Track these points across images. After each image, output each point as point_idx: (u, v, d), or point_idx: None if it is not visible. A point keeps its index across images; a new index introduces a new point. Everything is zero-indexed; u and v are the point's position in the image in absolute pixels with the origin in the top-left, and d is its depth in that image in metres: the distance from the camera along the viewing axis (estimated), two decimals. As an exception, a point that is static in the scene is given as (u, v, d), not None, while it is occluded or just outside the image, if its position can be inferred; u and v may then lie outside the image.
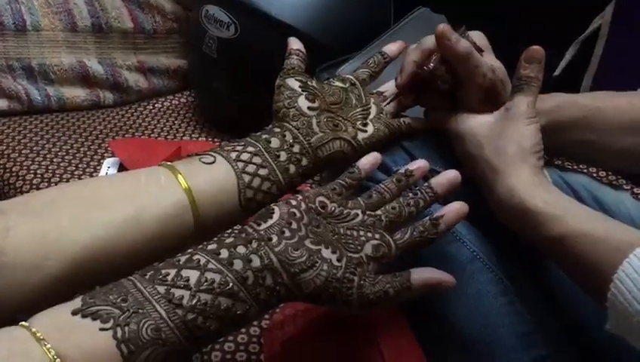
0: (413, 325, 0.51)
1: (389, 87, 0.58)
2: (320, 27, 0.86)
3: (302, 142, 0.49)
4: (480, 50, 0.52)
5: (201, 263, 0.37)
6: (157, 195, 0.44)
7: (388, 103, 0.57)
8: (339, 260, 0.41)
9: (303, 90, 0.52)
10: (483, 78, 0.50)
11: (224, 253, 0.39)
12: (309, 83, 0.53)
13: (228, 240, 0.40)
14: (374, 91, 0.58)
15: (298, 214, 0.42)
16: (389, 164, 0.54)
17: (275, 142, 0.49)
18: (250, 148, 0.48)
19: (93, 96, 1.14)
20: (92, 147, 0.98)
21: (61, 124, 1.07)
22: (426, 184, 0.47)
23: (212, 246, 0.39)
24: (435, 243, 0.47)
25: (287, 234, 0.41)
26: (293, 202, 0.44)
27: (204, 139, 1.04)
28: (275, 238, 0.40)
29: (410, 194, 0.47)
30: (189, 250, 0.40)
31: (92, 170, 0.91)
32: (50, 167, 0.93)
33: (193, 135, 1.06)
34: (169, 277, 0.36)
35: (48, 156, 0.96)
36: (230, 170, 0.47)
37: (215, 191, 0.46)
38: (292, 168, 0.49)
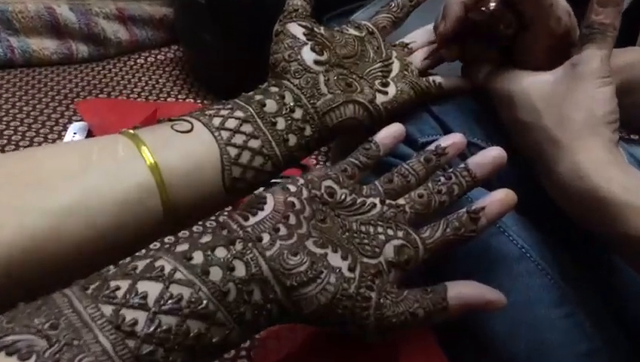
0: (442, 342, 0.44)
1: (416, 37, 0.52)
2: None
3: (305, 105, 0.43)
4: None
5: (166, 272, 0.30)
6: (113, 174, 0.36)
7: (425, 59, 0.50)
8: (351, 269, 0.33)
9: (308, 39, 0.45)
10: (557, 21, 0.43)
11: (198, 258, 0.31)
12: (315, 30, 0.46)
13: (203, 240, 0.32)
14: (397, 42, 0.52)
15: (298, 205, 0.35)
16: (414, 135, 0.48)
17: (270, 105, 0.42)
18: (238, 113, 0.41)
19: (64, 49, 1.08)
20: (59, 109, 0.92)
21: (25, 81, 1.01)
22: (462, 165, 0.40)
23: (182, 248, 0.31)
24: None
25: (283, 232, 0.33)
26: (292, 188, 0.36)
27: (191, 101, 1.00)
28: (266, 238, 0.32)
29: (442, 179, 0.40)
30: (151, 250, 0.32)
31: (56, 136, 0.85)
32: (5, 133, 0.88)
33: (180, 96, 1.02)
34: (119, 293, 0.28)
35: (5, 119, 0.90)
36: (212, 140, 0.40)
37: (191, 169, 0.38)
38: (292, 139, 0.42)
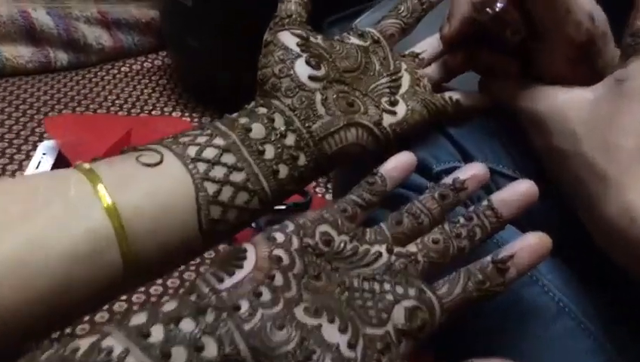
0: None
1: (428, 45, 0.48)
2: None
3: (299, 129, 0.39)
4: None
5: (114, 355, 0.24)
6: (60, 220, 0.31)
7: (426, 66, 0.46)
8: (352, 345, 0.28)
9: (302, 50, 0.41)
10: (577, 28, 0.39)
11: (157, 334, 0.26)
12: (311, 39, 0.42)
13: (166, 308, 0.27)
14: (407, 52, 0.48)
15: (286, 259, 0.30)
16: (428, 162, 0.44)
17: (257, 130, 0.38)
18: (218, 141, 0.37)
19: (40, 57, 1.04)
20: (29, 124, 0.89)
21: None
22: (485, 202, 0.36)
23: (138, 320, 0.26)
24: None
25: (267, 297, 0.28)
26: (279, 237, 0.31)
27: (179, 114, 0.96)
28: (245, 306, 0.27)
29: (461, 219, 0.35)
30: (99, 321, 0.27)
31: (23, 156, 0.81)
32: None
33: (166, 108, 0.98)
34: None
35: (-29, 135, 0.86)
36: (185, 175, 0.35)
37: (158, 211, 0.34)
38: (283, 170, 0.38)
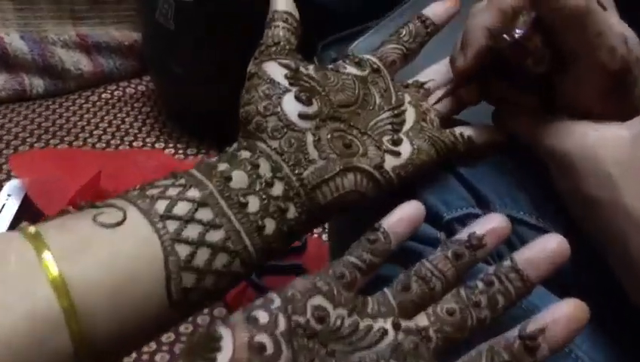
0: None
1: (434, 73, 0.46)
2: None
3: (287, 176, 0.36)
4: (602, 7, 0.38)
5: None
6: None
7: (437, 102, 0.43)
8: None
9: (291, 84, 0.39)
10: (610, 53, 0.36)
11: None
12: (302, 70, 0.40)
13: None
14: (410, 82, 0.46)
15: (270, 347, 0.26)
16: (438, 209, 0.41)
17: (239, 179, 0.35)
18: (192, 193, 0.34)
19: (15, 84, 1.03)
20: None
21: None
22: (508, 262, 0.32)
23: None
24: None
25: None
26: (262, 317, 0.28)
27: (162, 144, 0.95)
28: None
29: (480, 284, 0.32)
30: None
31: None
32: None
33: (149, 139, 0.97)
34: None
35: None
36: (152, 236, 0.32)
37: (119, 282, 0.30)
38: (270, 225, 0.35)
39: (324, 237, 0.70)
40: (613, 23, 0.37)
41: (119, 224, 0.31)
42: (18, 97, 1.01)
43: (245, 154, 0.36)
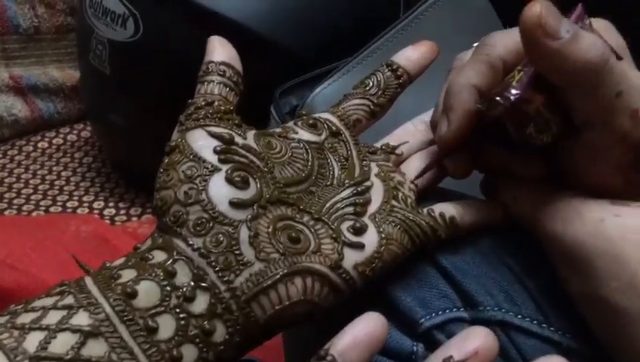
0: None
1: (408, 135, 0.43)
2: (279, 20, 0.76)
3: (214, 286, 0.32)
4: (618, 57, 0.35)
5: None
6: None
7: (416, 178, 0.41)
8: None
9: (222, 161, 0.35)
10: (633, 120, 0.33)
11: None
12: (237, 140, 0.36)
13: None
14: (378, 145, 0.43)
15: None
16: (413, 313, 0.37)
17: (148, 293, 0.31)
18: (79, 319, 0.29)
19: None
20: None
21: None
22: None
23: None
24: None
25: None
26: None
27: (101, 203, 0.91)
28: None
29: None
30: None
31: None
32: None
33: (88, 195, 0.92)
34: None
35: None
36: None
37: None
38: (189, 354, 0.30)
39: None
40: (634, 77, 0.33)
41: None
42: None
43: (159, 256, 0.32)
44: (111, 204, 0.90)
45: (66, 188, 0.93)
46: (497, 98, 0.35)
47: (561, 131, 0.36)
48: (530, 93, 0.35)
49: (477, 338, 0.30)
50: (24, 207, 0.89)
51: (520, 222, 0.38)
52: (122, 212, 0.89)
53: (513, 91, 0.35)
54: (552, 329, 0.36)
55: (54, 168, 0.97)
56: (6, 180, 0.94)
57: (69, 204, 0.90)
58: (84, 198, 0.91)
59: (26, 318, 0.28)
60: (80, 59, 0.91)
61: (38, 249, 0.64)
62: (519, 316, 0.37)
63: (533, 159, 0.38)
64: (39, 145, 1.03)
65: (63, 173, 0.96)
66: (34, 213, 0.90)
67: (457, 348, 0.30)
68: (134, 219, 0.87)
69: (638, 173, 0.35)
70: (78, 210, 0.90)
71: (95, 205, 0.90)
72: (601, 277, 0.33)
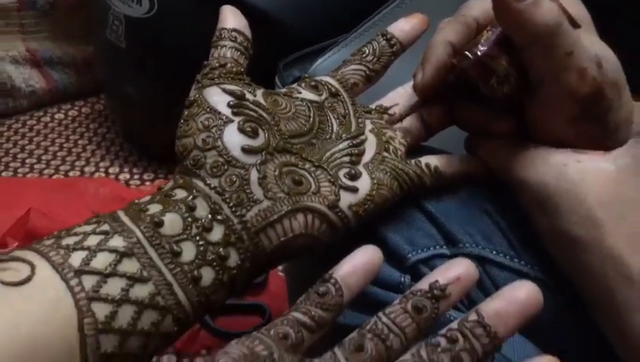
0: None
1: (400, 97, 0.44)
2: (285, 1, 0.77)
3: (228, 219, 0.34)
4: (575, 24, 0.37)
5: None
6: None
7: (400, 120, 0.43)
8: None
9: (234, 113, 0.37)
10: (580, 76, 0.36)
11: None
12: (248, 96, 0.38)
13: None
14: (373, 106, 0.44)
15: None
16: (401, 249, 0.39)
17: (172, 223, 0.33)
18: (115, 242, 0.32)
19: None
20: None
21: None
22: (474, 316, 0.30)
23: None
24: None
25: None
26: None
27: (117, 169, 0.92)
28: None
29: (443, 342, 0.30)
30: None
31: None
32: None
33: (103, 163, 0.93)
34: None
35: None
36: (64, 295, 0.29)
37: (22, 354, 0.28)
38: (208, 275, 0.33)
39: (289, 271, 0.68)
40: (586, 42, 0.36)
41: (25, 282, 0.29)
42: None
43: (181, 194, 0.34)
44: (125, 170, 0.91)
45: (82, 155, 0.93)
46: (466, 52, 0.38)
47: (519, 85, 0.38)
48: (494, 49, 0.38)
49: (459, 267, 0.33)
50: (45, 171, 0.90)
51: (496, 172, 0.40)
52: (136, 177, 0.90)
53: (480, 47, 0.38)
54: (522, 262, 0.39)
55: (71, 137, 0.97)
56: (27, 147, 0.94)
57: (86, 170, 0.91)
58: (100, 164, 0.91)
59: (69, 240, 0.31)
60: (96, 35, 0.91)
61: (62, 206, 0.65)
62: (494, 252, 0.39)
63: (504, 117, 0.40)
64: (56, 116, 1.03)
65: (80, 142, 0.96)
66: (54, 177, 0.90)
67: (442, 274, 0.32)
68: (147, 183, 0.88)
69: (585, 125, 0.37)
70: (95, 175, 0.90)
71: (110, 170, 0.91)
72: (562, 214, 0.35)
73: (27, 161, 0.91)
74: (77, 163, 0.92)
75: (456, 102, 0.42)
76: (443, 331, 0.30)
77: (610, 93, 0.36)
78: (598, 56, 0.36)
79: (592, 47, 0.36)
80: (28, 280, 0.28)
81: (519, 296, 0.30)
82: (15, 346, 0.27)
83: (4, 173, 0.88)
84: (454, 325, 0.30)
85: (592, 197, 0.35)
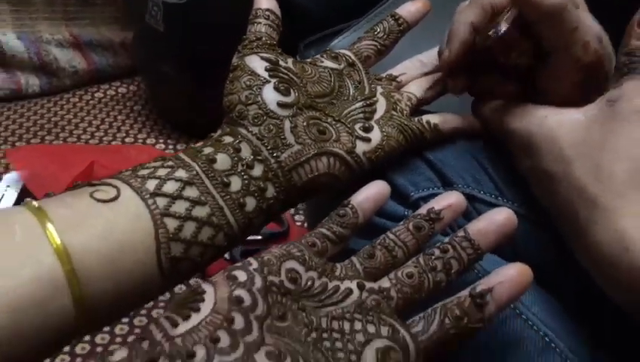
0: None
1: (407, 69, 0.48)
2: None
3: (267, 159, 0.38)
4: (575, 5, 0.40)
5: None
6: (6, 266, 0.30)
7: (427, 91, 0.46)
8: None
9: (271, 76, 0.41)
10: (584, 48, 0.39)
11: None
12: (281, 63, 0.42)
13: (115, 358, 0.26)
14: (384, 75, 0.48)
15: (248, 300, 0.29)
16: (406, 189, 0.43)
17: (222, 161, 0.37)
18: (180, 173, 0.36)
19: (11, 84, 1.04)
20: None
21: None
22: (461, 233, 0.35)
23: None
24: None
25: (225, 342, 0.27)
26: (241, 276, 0.30)
27: (153, 140, 0.95)
28: (200, 353, 0.27)
29: (437, 252, 0.35)
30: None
31: None
32: None
33: (140, 135, 0.97)
34: None
35: None
36: (144, 211, 0.34)
37: (114, 251, 0.32)
38: (250, 203, 0.37)
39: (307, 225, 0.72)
40: (587, 21, 0.39)
41: (114, 200, 0.33)
42: (14, 96, 1.01)
43: (228, 139, 0.38)
44: (161, 141, 0.93)
45: (122, 128, 0.96)
46: (490, 32, 0.41)
47: (535, 56, 0.41)
48: (513, 28, 0.40)
49: (451, 197, 0.37)
50: (90, 141, 0.93)
51: (493, 126, 0.43)
52: (170, 147, 0.92)
53: (502, 26, 0.40)
54: (504, 200, 0.43)
55: (111, 113, 1.00)
56: (72, 121, 0.97)
57: (126, 140, 0.94)
58: (138, 136, 0.94)
59: (143, 172, 0.35)
60: (135, 20, 0.92)
61: (110, 166, 0.71)
62: (482, 192, 0.43)
63: (509, 82, 0.43)
64: (95, 94, 1.06)
65: (119, 117, 0.99)
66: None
67: (437, 203, 0.37)
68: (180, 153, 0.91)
69: (587, 89, 0.40)
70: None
71: (148, 141, 0.94)
72: (541, 154, 0.38)
73: (74, 132, 0.94)
74: (117, 135, 0.94)
75: (478, 75, 0.45)
76: (437, 244, 0.35)
77: (608, 63, 0.39)
78: (599, 31, 0.39)
79: (592, 24, 0.39)
80: (115, 198, 0.33)
81: (498, 218, 0.35)
82: (109, 248, 0.32)
83: (54, 142, 0.91)
84: (446, 240, 0.35)
85: (564, 140, 0.37)
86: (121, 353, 0.26)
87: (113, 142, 0.94)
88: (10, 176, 0.72)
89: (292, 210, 0.77)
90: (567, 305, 0.40)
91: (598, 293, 0.36)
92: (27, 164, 0.71)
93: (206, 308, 0.28)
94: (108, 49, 1.11)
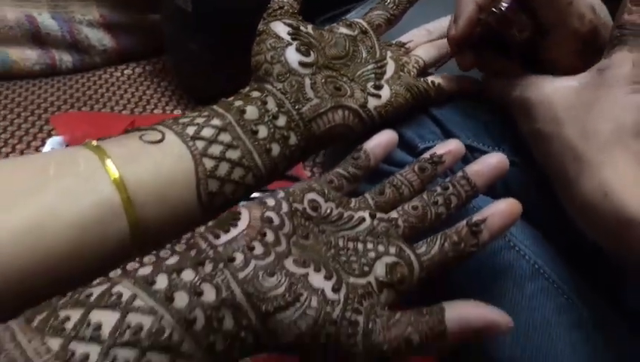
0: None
1: (413, 36, 0.50)
2: None
3: (289, 111, 0.41)
4: None
5: (123, 299, 0.28)
6: (71, 191, 0.34)
7: (437, 66, 0.48)
8: (335, 290, 0.31)
9: (293, 39, 0.43)
10: (580, 19, 0.41)
11: (161, 282, 0.29)
12: (302, 28, 0.44)
13: (169, 262, 0.30)
14: (393, 42, 0.50)
15: (277, 220, 0.33)
16: (413, 141, 0.46)
17: (251, 112, 0.40)
18: (215, 121, 0.39)
19: (47, 59, 1.07)
20: (38, 123, 0.91)
21: (4, 95, 0.99)
22: (460, 173, 0.38)
23: (144, 271, 0.30)
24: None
25: (259, 250, 0.31)
26: (270, 201, 0.35)
27: (180, 112, 0.98)
28: (239, 258, 0.31)
29: (438, 189, 0.38)
30: (111, 276, 0.30)
31: (32, 151, 0.84)
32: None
33: (167, 108, 1.00)
34: (69, 324, 0.27)
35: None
36: (185, 152, 0.37)
37: (162, 183, 0.36)
38: (275, 148, 0.40)
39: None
40: None
41: (160, 141, 0.37)
42: (50, 71, 1.04)
43: (256, 93, 0.41)
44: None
45: (151, 100, 0.98)
46: (493, 9, 0.43)
47: (534, 31, 0.43)
48: (513, 5, 0.42)
49: (451, 144, 0.40)
50: (123, 112, 0.95)
51: (499, 95, 0.44)
52: None
53: (504, 4, 0.42)
54: (501, 149, 0.46)
55: (140, 87, 1.02)
56: (105, 95, 0.99)
57: (156, 111, 0.96)
58: (167, 108, 0.96)
59: (183, 120, 0.38)
60: (164, 2, 0.93)
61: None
62: (480, 143, 0.46)
63: (512, 56, 0.45)
64: (125, 72, 1.08)
65: (147, 92, 1.01)
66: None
67: (439, 149, 0.40)
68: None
69: (585, 57, 0.41)
70: (163, 117, 0.96)
71: (175, 112, 0.96)
72: (539, 117, 0.40)
73: (107, 104, 0.96)
74: (147, 107, 0.96)
75: (485, 52, 0.46)
76: (439, 183, 0.38)
77: (603, 32, 0.41)
78: (592, 3, 0.41)
79: None
80: (161, 140, 0.37)
81: (492, 161, 0.38)
82: (157, 181, 0.35)
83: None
84: (447, 179, 0.38)
85: (558, 103, 0.39)
86: (173, 259, 0.31)
87: (144, 113, 0.97)
88: (54, 140, 0.76)
89: (308, 170, 0.80)
90: (557, 244, 0.43)
91: (579, 231, 0.38)
92: (69, 129, 0.75)
93: (242, 224, 0.33)
94: (135, 30, 1.13)
